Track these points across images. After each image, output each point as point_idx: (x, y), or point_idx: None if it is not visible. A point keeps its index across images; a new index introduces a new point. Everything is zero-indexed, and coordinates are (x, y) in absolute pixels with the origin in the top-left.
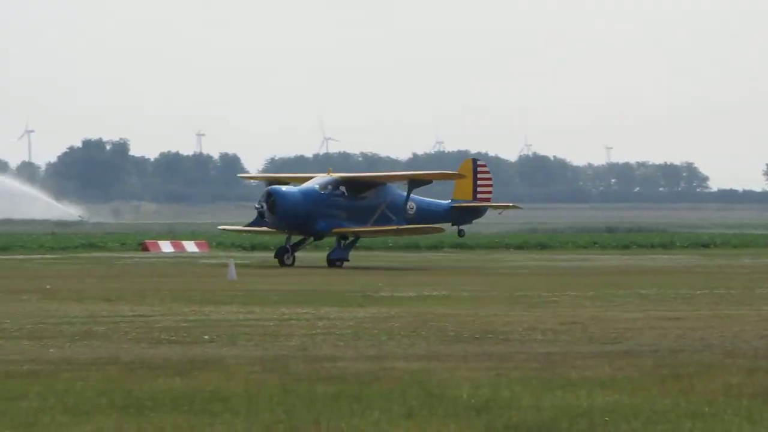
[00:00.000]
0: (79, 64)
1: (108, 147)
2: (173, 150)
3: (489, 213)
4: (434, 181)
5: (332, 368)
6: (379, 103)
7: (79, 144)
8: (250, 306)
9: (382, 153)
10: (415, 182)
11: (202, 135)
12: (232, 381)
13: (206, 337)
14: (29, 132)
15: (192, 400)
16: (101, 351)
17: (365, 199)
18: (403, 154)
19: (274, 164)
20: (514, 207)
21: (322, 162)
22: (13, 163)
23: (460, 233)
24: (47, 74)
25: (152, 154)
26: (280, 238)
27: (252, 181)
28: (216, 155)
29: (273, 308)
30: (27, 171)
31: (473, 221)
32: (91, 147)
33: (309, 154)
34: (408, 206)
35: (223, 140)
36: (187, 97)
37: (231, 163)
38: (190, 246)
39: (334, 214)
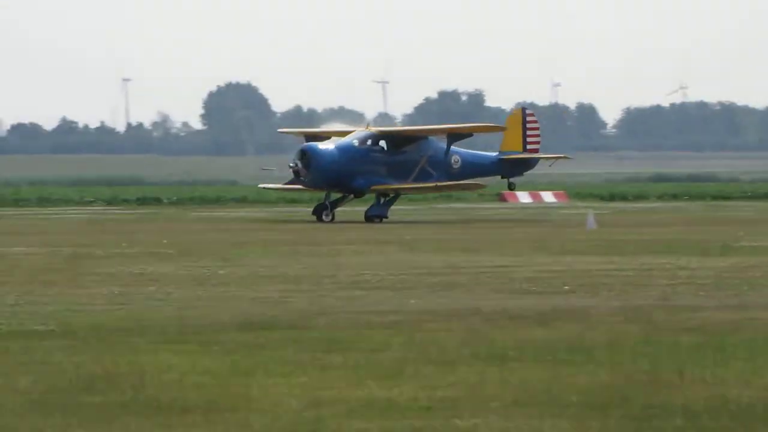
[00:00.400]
0: (435, 20)
1: (464, 98)
2: (528, 100)
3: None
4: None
5: (694, 318)
6: (741, 48)
7: (434, 95)
8: (609, 256)
9: (739, 102)
10: (454, 135)
11: (558, 85)
12: (594, 331)
13: (566, 287)
14: (384, 83)
15: (554, 351)
16: (462, 302)
17: (405, 154)
18: (761, 102)
19: (630, 114)
20: (564, 158)
21: (678, 113)
22: (370, 114)
23: (511, 186)
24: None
25: (508, 105)
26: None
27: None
28: (572, 105)
29: (632, 258)
30: (384, 122)
31: (524, 174)
32: (447, 98)
33: (666, 104)
34: (452, 160)
35: (580, 90)
36: (542, 44)
37: (587, 113)
38: (548, 196)
39: (373, 171)
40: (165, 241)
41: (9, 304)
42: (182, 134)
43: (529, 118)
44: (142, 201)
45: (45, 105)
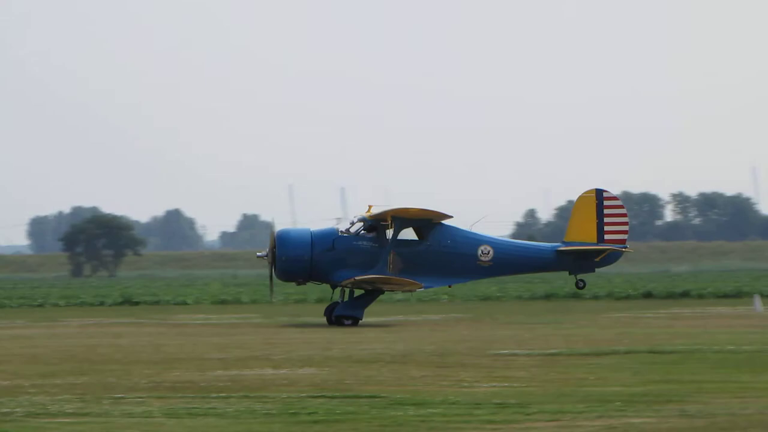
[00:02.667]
0: None
1: None
2: None
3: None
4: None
5: None
6: None
7: None
8: None
9: None
10: (398, 221)
11: None
12: None
13: None
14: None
15: None
16: None
17: (402, 244)
18: None
19: None
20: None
21: None
22: None
23: (578, 284)
24: None
25: None
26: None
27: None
28: None
29: None
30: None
31: (596, 269)
32: None
33: None
34: (480, 251)
35: None
36: None
37: None
38: None
39: (360, 262)
40: None
41: None
42: None
43: (607, 203)
44: None
45: None
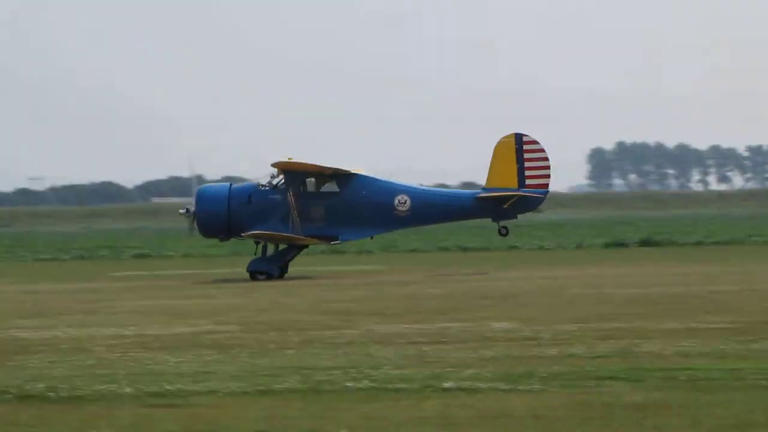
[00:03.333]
0: None
1: None
2: None
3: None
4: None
5: None
6: None
7: None
8: None
9: None
10: (288, 174)
11: None
12: None
13: None
14: None
15: None
16: None
17: (312, 197)
18: None
19: None
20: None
21: None
22: None
23: (501, 231)
24: None
25: None
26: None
27: None
28: None
29: None
30: None
31: (518, 216)
32: None
33: None
34: (397, 200)
35: None
36: None
37: None
38: None
39: (276, 216)
40: None
41: None
42: None
43: (527, 147)
44: None
45: None
